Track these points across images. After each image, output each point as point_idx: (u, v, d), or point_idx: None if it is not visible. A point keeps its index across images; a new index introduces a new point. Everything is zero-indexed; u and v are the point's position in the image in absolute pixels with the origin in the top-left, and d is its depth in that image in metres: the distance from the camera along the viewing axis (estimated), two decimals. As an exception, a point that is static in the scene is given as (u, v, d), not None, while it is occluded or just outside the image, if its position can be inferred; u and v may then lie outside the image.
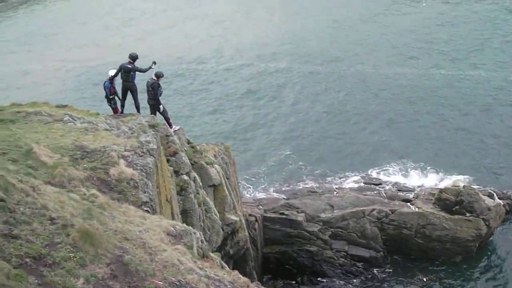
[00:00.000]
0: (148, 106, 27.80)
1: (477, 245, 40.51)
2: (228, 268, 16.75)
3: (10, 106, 24.05)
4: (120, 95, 27.44)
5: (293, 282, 40.19)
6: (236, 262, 31.84)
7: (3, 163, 14.46)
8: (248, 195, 47.06)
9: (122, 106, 27.74)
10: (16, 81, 74.10)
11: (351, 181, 49.83)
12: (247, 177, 50.74)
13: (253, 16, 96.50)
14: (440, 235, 40.29)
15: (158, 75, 26.87)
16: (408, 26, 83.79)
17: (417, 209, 41.28)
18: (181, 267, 12.29)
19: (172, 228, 14.48)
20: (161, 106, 27.46)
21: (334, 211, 41.70)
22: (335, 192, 45.26)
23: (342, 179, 50.62)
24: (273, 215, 40.72)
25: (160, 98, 27.52)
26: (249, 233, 35.65)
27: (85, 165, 17.43)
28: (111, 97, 27.14)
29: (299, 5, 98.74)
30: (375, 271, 40.54)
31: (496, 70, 68.48)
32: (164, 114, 27.69)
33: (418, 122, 60.80)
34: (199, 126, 60.82)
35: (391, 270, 40.73)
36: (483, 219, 39.67)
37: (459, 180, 43.78)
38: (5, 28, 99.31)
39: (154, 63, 26.84)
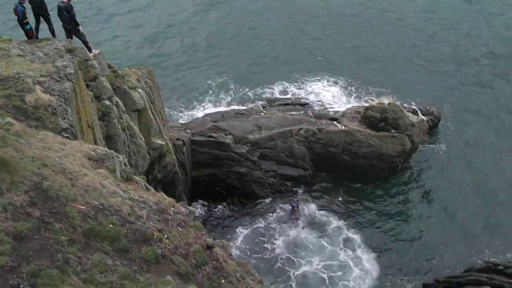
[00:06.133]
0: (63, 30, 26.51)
1: (402, 160, 42.00)
2: (153, 189, 16.63)
3: None
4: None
5: (224, 203, 40.69)
6: (165, 186, 31.76)
7: None
8: (174, 119, 46.67)
9: (36, 30, 26.32)
10: None
11: (279, 96, 50.85)
12: (173, 101, 50.18)
13: None
14: (366, 152, 41.39)
15: None
16: None
17: (343, 127, 42.09)
18: (104, 191, 12.08)
19: (93, 153, 14.11)
20: (80, 28, 26.21)
21: (262, 132, 41.93)
22: (262, 113, 45.38)
23: (269, 94, 51.49)
24: (201, 138, 40.58)
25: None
26: (177, 157, 35.48)
27: (-2, 93, 16.61)
28: (24, 21, 25.60)
29: None
30: (303, 190, 41.52)
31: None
32: (82, 37, 26.50)
33: (345, 41, 61.48)
34: (121, 50, 59.15)
35: (319, 187, 41.81)
36: (407, 135, 40.99)
37: (384, 97, 44.65)
38: None
39: None
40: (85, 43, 26.34)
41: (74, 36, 26.03)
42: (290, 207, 39.33)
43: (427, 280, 33.50)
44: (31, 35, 25.58)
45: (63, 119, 16.64)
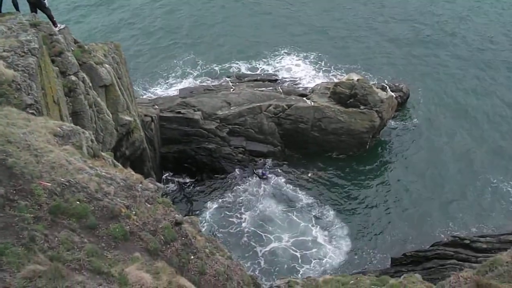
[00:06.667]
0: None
1: (370, 136, 42.41)
2: (120, 166, 16.46)
3: None
4: None
5: (193, 179, 40.72)
6: (133, 163, 31.55)
7: None
8: (143, 95, 46.26)
9: (0, 4, 25.57)
10: None
11: (249, 72, 50.73)
12: (141, 77, 49.68)
13: None
14: (336, 127, 41.68)
15: None
16: None
17: (313, 103, 42.14)
18: (70, 167, 11.87)
19: (59, 129, 13.85)
20: (45, 2, 25.49)
21: (231, 108, 41.88)
22: (232, 89, 45.25)
23: (236, 69, 51.47)
24: (169, 114, 40.36)
25: None
26: (145, 133, 35.20)
27: (-41, 68, 16.15)
28: None
29: None
30: (273, 165, 41.70)
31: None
32: (47, 11, 25.83)
33: (314, 18, 61.43)
34: (87, 24, 58.22)
35: (288, 163, 42.01)
36: (376, 111, 41.27)
37: (353, 73, 44.72)
38: None
39: None
40: (50, 17, 25.67)
41: (38, 10, 25.38)
42: (260, 173, 40.04)
43: (395, 254, 34.03)
44: (-7, 10, 24.82)
45: (27, 95, 16.29)
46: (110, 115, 27.54)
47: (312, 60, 53.25)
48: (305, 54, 54.08)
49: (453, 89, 49.83)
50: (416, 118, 46.32)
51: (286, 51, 54.69)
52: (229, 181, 40.30)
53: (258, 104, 42.07)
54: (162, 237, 12.08)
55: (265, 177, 39.98)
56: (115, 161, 16.60)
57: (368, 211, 38.26)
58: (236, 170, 40.84)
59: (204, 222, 36.25)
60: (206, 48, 55.26)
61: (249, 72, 51.34)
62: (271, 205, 38.20)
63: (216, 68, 51.63)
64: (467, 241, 31.43)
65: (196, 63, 52.41)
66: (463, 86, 50.18)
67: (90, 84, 25.75)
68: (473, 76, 51.58)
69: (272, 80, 48.82)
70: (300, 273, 33.37)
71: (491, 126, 45.31)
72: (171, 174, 40.92)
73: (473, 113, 46.85)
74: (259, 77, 49.27)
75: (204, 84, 48.20)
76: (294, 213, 37.69)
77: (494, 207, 38.12)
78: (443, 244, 32.59)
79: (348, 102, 41.52)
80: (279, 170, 41.32)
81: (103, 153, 16.23)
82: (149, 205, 12.70)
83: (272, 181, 40.13)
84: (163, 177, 40.44)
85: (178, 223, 12.87)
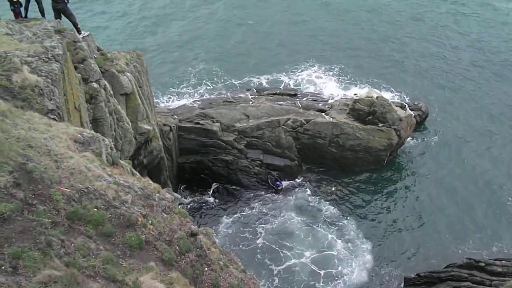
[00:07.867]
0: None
1: (388, 154, 42.13)
2: (138, 174, 16.53)
3: None
4: None
5: (209, 190, 40.69)
6: (151, 171, 31.67)
7: None
8: (162, 104, 46.49)
9: (26, 9, 25.92)
10: None
11: (267, 87, 50.65)
12: (161, 86, 49.96)
13: None
14: (353, 144, 41.52)
15: None
16: None
17: (331, 119, 42.07)
18: (89, 174, 11.96)
19: (80, 135, 13.97)
20: (70, 9, 25.84)
21: (250, 121, 41.86)
22: (251, 102, 45.27)
23: (256, 83, 51.51)
24: (188, 124, 40.44)
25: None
26: (163, 142, 35.34)
27: (-16, 71, 16.34)
28: (15, 0, 25.17)
29: None
30: (289, 180, 41.62)
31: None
32: (72, 18, 26.18)
33: (336, 34, 61.52)
34: (110, 33, 58.81)
35: (304, 178, 41.85)
36: (394, 129, 41.07)
37: (372, 91, 44.58)
38: None
39: None
40: (75, 24, 26.01)
41: (63, 17, 25.72)
42: (276, 186, 40.29)
43: (409, 274, 33.69)
44: (17, 16, 25.18)
45: (49, 100, 16.45)
46: (130, 123, 27.70)
47: (335, 73, 53.33)
48: (327, 67, 54.15)
49: (473, 109, 49.47)
50: (434, 137, 46.00)
51: (309, 64, 54.80)
52: (245, 194, 40.21)
53: (277, 118, 42.03)
54: (177, 248, 12.09)
55: (280, 189, 39.99)
56: (133, 169, 16.68)
57: (381, 229, 37.87)
58: (253, 182, 40.78)
59: (218, 234, 36.18)
60: (228, 60, 55.47)
61: (269, 86, 51.38)
62: (287, 220, 37.98)
63: (237, 83, 51.75)
64: (482, 264, 31.04)
65: (217, 76, 52.56)
66: (484, 107, 49.80)
67: (111, 92, 25.94)
68: (495, 97, 51.21)
69: (292, 94, 48.77)
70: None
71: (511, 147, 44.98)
72: (188, 184, 40.93)
73: (493, 133, 46.40)
74: (278, 91, 49.25)
75: (223, 96, 48.32)
76: (310, 228, 37.46)
77: (512, 230, 37.75)
78: (458, 266, 32.21)
79: (367, 119, 41.40)
80: (295, 184, 41.22)
81: (121, 161, 16.32)
82: (165, 215, 12.74)
83: (288, 195, 39.96)
84: (180, 187, 40.50)
85: (193, 234, 12.89)
